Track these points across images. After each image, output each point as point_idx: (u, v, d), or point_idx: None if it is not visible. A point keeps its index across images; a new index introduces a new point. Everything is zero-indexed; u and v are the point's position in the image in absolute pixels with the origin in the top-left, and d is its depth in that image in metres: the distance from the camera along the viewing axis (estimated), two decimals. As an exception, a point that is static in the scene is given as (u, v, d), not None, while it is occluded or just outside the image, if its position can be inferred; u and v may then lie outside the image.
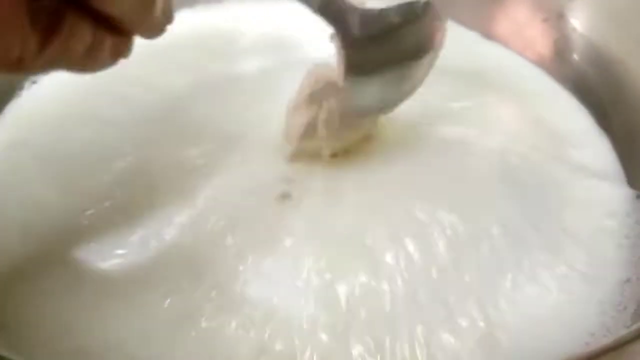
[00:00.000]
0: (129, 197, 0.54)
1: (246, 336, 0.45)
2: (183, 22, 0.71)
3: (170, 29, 0.71)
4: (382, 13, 0.50)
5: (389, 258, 0.50)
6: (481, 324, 0.47)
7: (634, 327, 0.36)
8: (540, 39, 0.70)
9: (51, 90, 0.64)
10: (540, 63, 0.69)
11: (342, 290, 0.48)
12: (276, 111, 0.61)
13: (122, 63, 0.66)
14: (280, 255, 0.50)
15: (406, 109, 0.57)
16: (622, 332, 0.47)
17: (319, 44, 0.70)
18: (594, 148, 0.61)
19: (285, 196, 0.55)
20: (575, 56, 0.67)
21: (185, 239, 0.51)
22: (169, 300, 0.47)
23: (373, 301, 0.48)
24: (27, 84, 0.65)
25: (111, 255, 0.50)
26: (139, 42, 0.68)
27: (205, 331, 0.46)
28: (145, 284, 0.48)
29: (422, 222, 0.53)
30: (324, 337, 0.46)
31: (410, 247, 0.51)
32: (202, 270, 0.49)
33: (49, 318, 0.46)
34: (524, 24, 0.72)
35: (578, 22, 0.68)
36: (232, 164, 0.57)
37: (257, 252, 0.50)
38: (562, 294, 0.50)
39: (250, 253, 0.50)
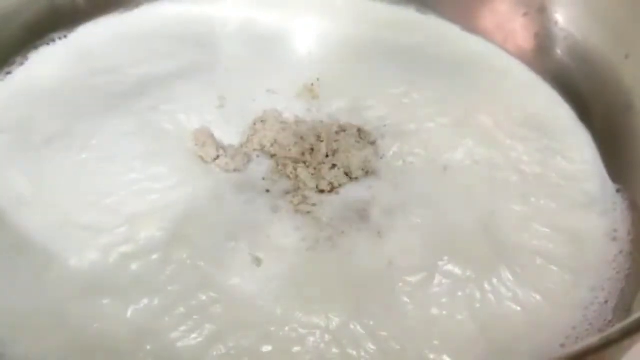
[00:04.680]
0: (98, 195, 0.53)
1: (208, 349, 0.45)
2: (161, 11, 0.72)
3: (148, 18, 0.72)
4: None
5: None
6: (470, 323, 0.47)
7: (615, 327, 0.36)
8: (521, 33, 0.70)
9: (24, 81, 0.63)
10: (521, 56, 0.69)
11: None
12: (255, 105, 0.61)
13: (96, 53, 0.66)
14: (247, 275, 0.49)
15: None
16: (603, 325, 0.48)
17: (300, 34, 0.71)
18: (575, 141, 0.61)
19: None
20: (557, 50, 0.68)
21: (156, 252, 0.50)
22: (130, 310, 0.46)
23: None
24: (1, 75, 0.63)
25: (83, 252, 0.49)
26: (116, 36, 0.68)
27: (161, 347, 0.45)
28: (112, 289, 0.47)
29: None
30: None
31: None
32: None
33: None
34: (506, 17, 0.72)
35: (559, 16, 0.68)
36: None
37: (223, 273, 0.49)
38: (545, 288, 0.50)
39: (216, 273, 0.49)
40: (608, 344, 0.34)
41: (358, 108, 0.62)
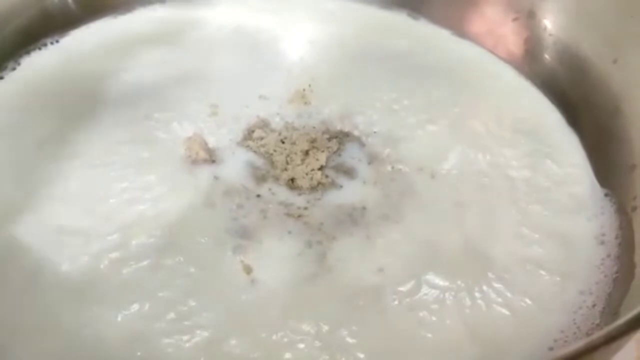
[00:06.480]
0: (89, 201, 0.53)
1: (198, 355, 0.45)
2: (154, 16, 0.72)
3: (141, 23, 0.72)
4: None
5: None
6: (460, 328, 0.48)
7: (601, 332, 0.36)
8: (511, 38, 0.71)
9: (16, 86, 0.63)
10: (511, 61, 0.70)
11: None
12: (248, 111, 0.62)
13: (88, 58, 0.66)
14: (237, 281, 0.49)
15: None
16: (590, 329, 0.48)
17: (292, 40, 0.71)
18: (564, 145, 0.61)
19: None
20: (546, 55, 0.68)
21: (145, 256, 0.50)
22: (121, 316, 0.46)
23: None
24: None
25: (74, 258, 0.49)
26: (108, 41, 0.68)
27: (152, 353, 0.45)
28: (103, 295, 0.47)
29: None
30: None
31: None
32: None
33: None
34: (496, 22, 0.72)
35: (549, 21, 0.68)
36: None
37: (214, 279, 0.49)
38: (534, 292, 0.50)
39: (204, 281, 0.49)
40: (593, 348, 0.34)
41: (349, 114, 0.62)
